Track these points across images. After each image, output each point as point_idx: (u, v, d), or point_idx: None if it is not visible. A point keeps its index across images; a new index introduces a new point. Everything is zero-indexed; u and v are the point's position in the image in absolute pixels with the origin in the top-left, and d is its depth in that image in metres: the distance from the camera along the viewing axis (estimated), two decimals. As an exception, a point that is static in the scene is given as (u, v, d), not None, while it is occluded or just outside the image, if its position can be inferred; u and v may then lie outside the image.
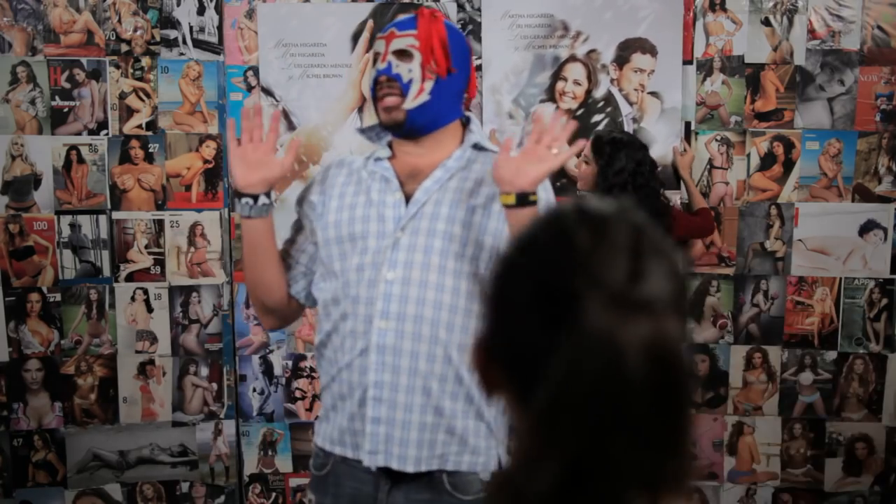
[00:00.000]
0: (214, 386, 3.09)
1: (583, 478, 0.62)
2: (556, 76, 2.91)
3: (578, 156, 2.71)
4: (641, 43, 2.94)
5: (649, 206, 2.66)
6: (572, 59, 2.91)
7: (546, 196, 1.60)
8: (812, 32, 2.94)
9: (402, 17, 1.66)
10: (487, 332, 0.72)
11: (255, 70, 2.94)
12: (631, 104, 2.95)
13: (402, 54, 1.59)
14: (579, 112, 2.94)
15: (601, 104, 2.96)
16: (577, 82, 2.92)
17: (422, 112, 1.59)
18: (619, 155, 2.65)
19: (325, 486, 1.64)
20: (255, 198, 1.60)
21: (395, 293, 1.55)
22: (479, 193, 1.60)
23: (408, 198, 1.61)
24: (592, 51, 2.92)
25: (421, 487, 1.56)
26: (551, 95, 2.92)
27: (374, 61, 1.62)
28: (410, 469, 1.54)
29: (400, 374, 1.54)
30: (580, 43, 2.90)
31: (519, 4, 2.83)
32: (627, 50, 2.94)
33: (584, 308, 0.63)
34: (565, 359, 0.62)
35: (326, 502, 1.65)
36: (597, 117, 2.97)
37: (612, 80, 2.95)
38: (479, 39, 2.95)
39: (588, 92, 2.94)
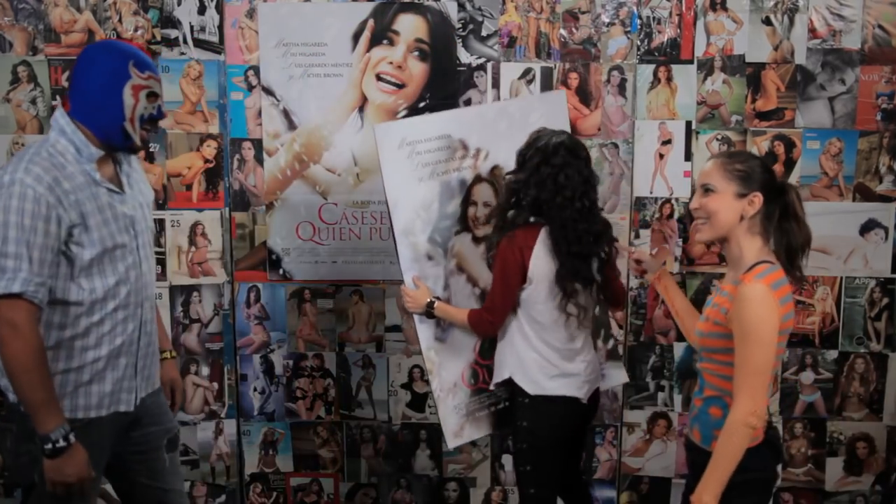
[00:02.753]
0: (215, 385, 3.10)
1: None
2: (467, 202, 2.55)
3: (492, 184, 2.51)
4: None
5: None
6: (478, 179, 2.55)
7: None
8: (813, 32, 2.94)
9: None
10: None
11: (256, 69, 2.94)
12: None
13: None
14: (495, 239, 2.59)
15: None
16: (486, 204, 2.56)
17: None
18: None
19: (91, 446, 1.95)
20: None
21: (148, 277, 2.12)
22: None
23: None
24: (495, 167, 2.57)
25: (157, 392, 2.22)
26: (465, 224, 2.55)
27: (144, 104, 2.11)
28: (158, 385, 2.22)
29: (153, 335, 2.14)
30: (482, 160, 2.56)
31: (414, 130, 2.45)
32: None
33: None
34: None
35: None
36: None
37: None
38: (482, 40, 2.95)
39: None
